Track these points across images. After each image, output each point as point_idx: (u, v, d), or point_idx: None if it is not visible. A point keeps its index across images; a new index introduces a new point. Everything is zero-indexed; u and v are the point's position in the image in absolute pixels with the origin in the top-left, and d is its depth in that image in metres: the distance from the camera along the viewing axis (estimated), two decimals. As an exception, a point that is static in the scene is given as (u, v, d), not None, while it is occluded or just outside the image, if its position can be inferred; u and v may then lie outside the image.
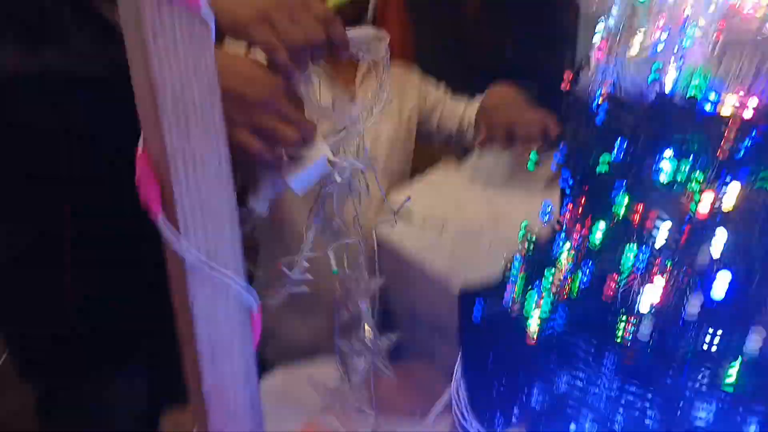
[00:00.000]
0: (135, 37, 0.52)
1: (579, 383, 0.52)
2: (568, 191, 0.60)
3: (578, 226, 0.55)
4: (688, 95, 0.58)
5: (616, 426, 0.52)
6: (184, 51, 0.53)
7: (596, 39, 0.74)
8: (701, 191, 0.51)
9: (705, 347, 0.46)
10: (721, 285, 0.46)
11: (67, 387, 1.16)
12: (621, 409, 0.52)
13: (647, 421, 0.50)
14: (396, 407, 0.87)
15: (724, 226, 0.50)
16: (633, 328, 0.50)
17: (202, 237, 0.57)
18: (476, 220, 1.23)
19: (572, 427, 0.53)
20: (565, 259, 0.54)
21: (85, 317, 1.10)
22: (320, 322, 1.30)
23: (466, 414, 0.61)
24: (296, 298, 1.27)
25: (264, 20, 0.72)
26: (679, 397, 0.48)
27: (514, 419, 0.56)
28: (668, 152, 0.52)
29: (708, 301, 0.46)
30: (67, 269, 1.08)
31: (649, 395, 0.48)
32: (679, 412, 0.47)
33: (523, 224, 0.64)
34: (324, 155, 0.74)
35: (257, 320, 0.64)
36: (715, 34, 0.59)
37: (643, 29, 0.67)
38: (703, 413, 0.45)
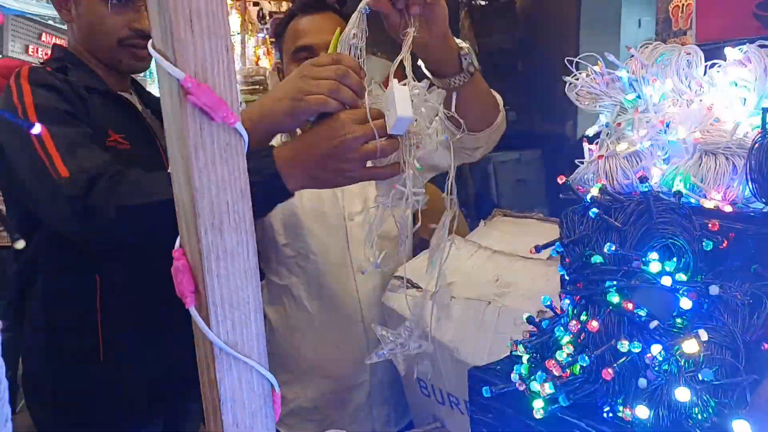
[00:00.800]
0: (178, 151, 0.59)
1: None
2: (566, 278, 0.66)
3: (576, 312, 0.60)
4: (673, 191, 0.65)
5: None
6: (220, 161, 0.60)
7: (590, 132, 0.82)
8: (685, 291, 0.56)
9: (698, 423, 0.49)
10: (707, 372, 0.51)
11: None
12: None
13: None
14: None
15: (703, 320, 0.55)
16: (630, 412, 0.54)
17: (230, 326, 0.63)
18: (483, 291, 1.27)
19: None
20: (565, 344, 0.59)
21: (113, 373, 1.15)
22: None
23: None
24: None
25: (297, 100, 0.83)
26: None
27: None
28: (654, 255, 0.58)
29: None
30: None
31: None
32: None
33: (525, 317, 0.69)
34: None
35: (277, 399, 0.69)
36: (693, 140, 0.66)
37: (629, 130, 0.74)
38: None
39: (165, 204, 0.64)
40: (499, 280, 1.33)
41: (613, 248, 0.59)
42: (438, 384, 1.25)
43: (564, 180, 0.69)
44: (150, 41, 0.60)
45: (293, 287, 1.33)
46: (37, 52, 5.14)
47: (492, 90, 1.17)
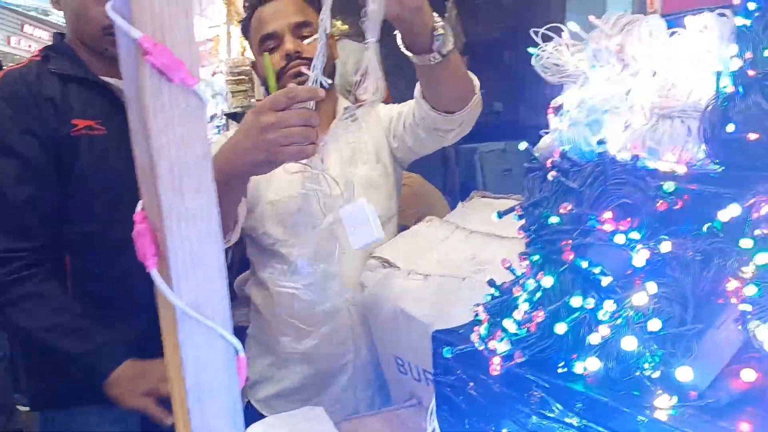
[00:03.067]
0: (137, 113, 0.59)
1: (537, 413, 0.56)
2: (529, 241, 0.67)
3: (533, 272, 0.61)
4: (630, 155, 0.66)
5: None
6: (180, 122, 0.60)
7: (554, 103, 0.83)
8: (638, 248, 0.58)
9: (646, 373, 0.51)
10: (655, 323, 0.52)
11: (57, 421, 1.21)
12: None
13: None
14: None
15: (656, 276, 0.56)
16: (582, 365, 0.55)
17: (193, 288, 0.63)
18: (459, 270, 1.28)
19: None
20: (522, 302, 0.60)
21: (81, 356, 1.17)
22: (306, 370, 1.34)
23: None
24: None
25: (276, 153, 0.87)
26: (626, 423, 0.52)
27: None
28: (608, 213, 0.59)
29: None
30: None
31: (599, 423, 0.53)
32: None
33: (487, 280, 0.70)
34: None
35: (242, 364, 0.69)
36: (650, 104, 0.67)
37: (592, 97, 0.75)
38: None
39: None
40: (475, 258, 1.34)
41: (569, 208, 0.60)
42: (414, 360, 1.26)
43: (525, 146, 0.70)
44: (109, 3, 0.60)
45: (276, 271, 1.33)
46: (19, 43, 5.10)
47: (470, 72, 1.17)
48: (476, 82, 1.20)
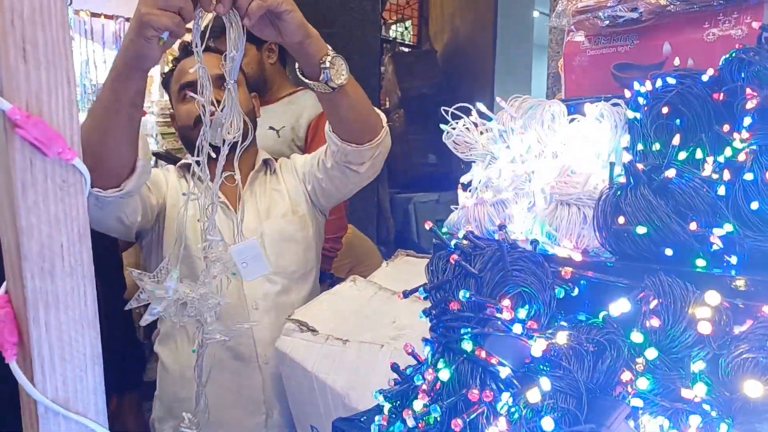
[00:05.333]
0: (4, 187, 0.54)
1: None
2: (431, 326, 0.65)
3: (433, 360, 0.59)
4: (531, 240, 0.66)
5: None
6: (54, 199, 0.55)
7: (464, 179, 0.84)
8: (536, 337, 0.57)
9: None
10: (548, 422, 0.51)
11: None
12: None
13: None
14: None
15: (553, 366, 0.55)
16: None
17: (60, 381, 0.57)
18: (378, 335, 1.26)
19: None
20: (421, 393, 0.58)
21: None
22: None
23: None
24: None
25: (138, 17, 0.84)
26: None
27: None
28: (507, 302, 0.59)
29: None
30: None
31: None
32: None
33: (391, 365, 0.68)
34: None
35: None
36: (550, 191, 0.69)
37: (497, 179, 0.76)
38: None
39: None
40: (395, 322, 1.32)
41: (468, 295, 0.59)
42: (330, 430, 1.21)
43: (431, 226, 0.69)
44: None
45: (186, 324, 1.26)
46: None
47: (375, 108, 1.20)
48: (382, 116, 1.22)
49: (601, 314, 0.61)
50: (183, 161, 1.37)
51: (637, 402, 0.54)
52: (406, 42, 5.02)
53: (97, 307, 0.59)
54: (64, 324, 0.56)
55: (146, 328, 1.97)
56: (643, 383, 0.55)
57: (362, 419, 0.67)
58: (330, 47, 1.02)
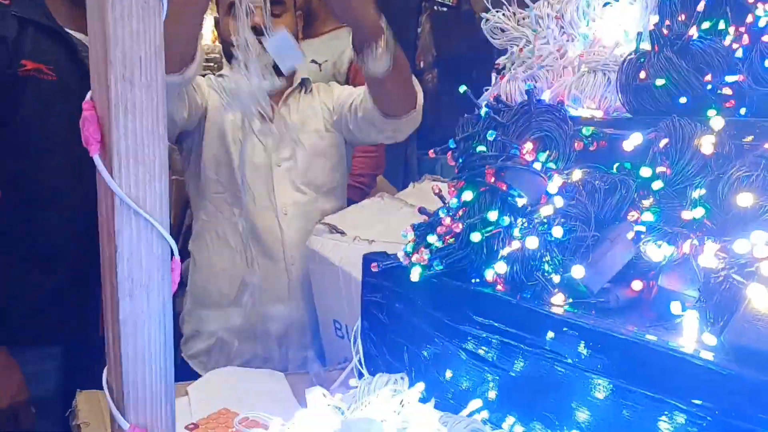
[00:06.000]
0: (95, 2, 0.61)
1: (451, 319, 0.60)
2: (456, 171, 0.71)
3: (457, 193, 0.66)
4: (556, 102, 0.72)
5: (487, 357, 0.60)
6: (137, 16, 0.63)
7: (500, 61, 0.89)
8: (554, 176, 0.63)
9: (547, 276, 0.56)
10: (557, 230, 0.57)
11: None
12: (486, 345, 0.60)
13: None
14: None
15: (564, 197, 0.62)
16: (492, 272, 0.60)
17: (133, 180, 0.65)
18: (401, 238, 1.33)
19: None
20: (444, 217, 0.64)
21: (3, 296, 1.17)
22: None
23: (361, 363, 0.68)
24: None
25: None
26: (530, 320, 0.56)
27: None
28: (529, 144, 0.65)
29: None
30: None
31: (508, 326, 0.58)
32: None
33: (417, 208, 0.74)
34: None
35: (176, 266, 0.71)
36: (578, 60, 0.74)
37: (530, 58, 0.82)
38: (551, 334, 0.54)
39: None
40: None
41: (494, 135, 0.65)
42: (352, 323, 1.29)
43: (464, 89, 0.75)
44: None
45: (218, 224, 1.35)
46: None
47: (417, 86, 1.24)
48: (420, 98, 1.26)
49: (615, 165, 0.67)
50: (220, 72, 1.43)
51: (640, 227, 0.60)
52: (445, 2, 4.98)
53: (166, 122, 0.67)
54: (139, 130, 0.64)
55: (185, 234, 2.06)
56: (648, 216, 0.60)
57: (388, 252, 0.74)
58: (384, 36, 1.03)
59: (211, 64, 4.43)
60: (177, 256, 0.73)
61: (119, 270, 0.67)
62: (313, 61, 1.96)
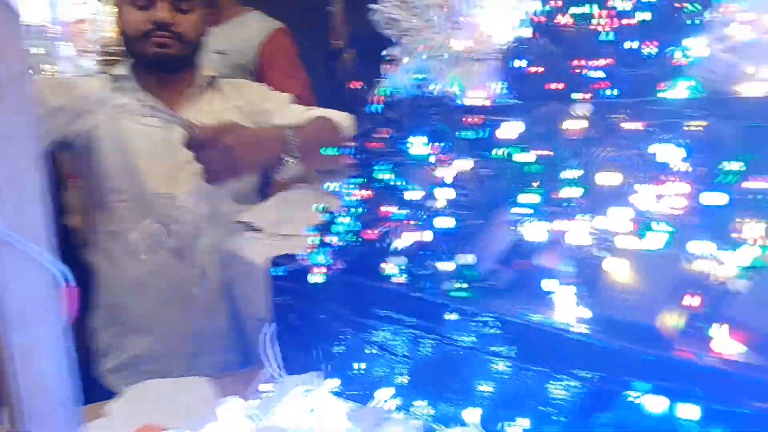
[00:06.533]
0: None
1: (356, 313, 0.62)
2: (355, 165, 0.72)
3: (352, 189, 0.67)
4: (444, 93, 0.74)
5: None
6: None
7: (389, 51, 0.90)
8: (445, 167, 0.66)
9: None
10: (446, 221, 0.60)
11: None
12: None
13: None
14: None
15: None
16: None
17: (10, 210, 0.61)
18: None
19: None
20: (342, 217, 0.65)
21: None
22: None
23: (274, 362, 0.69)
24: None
25: None
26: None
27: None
28: (420, 138, 0.66)
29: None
30: None
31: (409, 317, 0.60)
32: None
33: (321, 207, 0.75)
34: None
35: (72, 293, 0.67)
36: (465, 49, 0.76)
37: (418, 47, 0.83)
38: (454, 315, 0.57)
39: None
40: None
41: (388, 132, 0.67)
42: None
43: (360, 85, 0.75)
44: None
45: (123, 233, 1.29)
46: None
47: (343, 124, 1.20)
48: (350, 128, 1.19)
49: (500, 151, 0.70)
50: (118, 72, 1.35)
51: (524, 210, 0.63)
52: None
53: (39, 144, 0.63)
54: (10, 156, 0.60)
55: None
56: (530, 198, 0.64)
57: (292, 255, 0.75)
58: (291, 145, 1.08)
59: (109, 57, 4.16)
60: (72, 282, 0.69)
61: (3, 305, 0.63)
62: (217, 51, 1.86)
